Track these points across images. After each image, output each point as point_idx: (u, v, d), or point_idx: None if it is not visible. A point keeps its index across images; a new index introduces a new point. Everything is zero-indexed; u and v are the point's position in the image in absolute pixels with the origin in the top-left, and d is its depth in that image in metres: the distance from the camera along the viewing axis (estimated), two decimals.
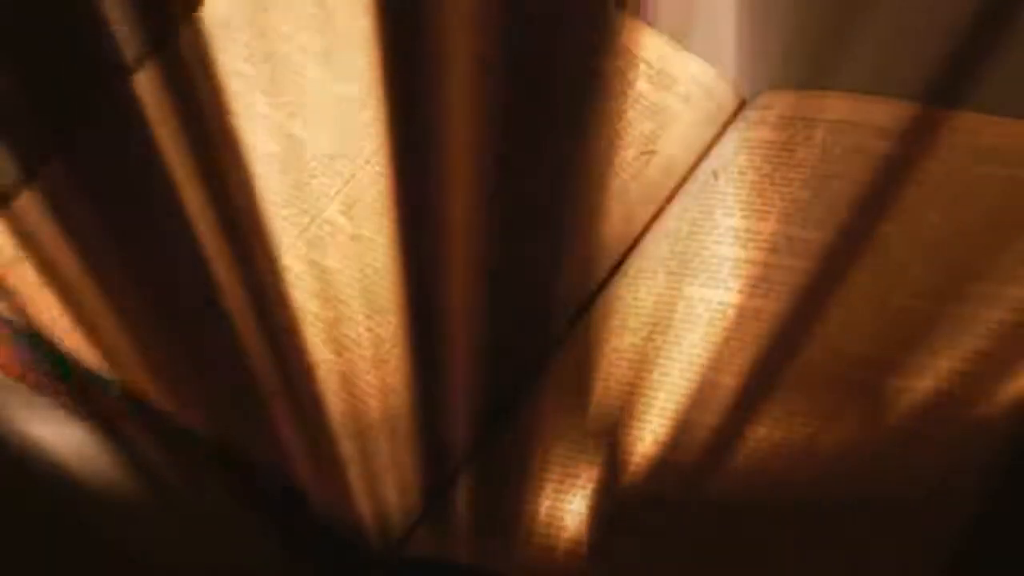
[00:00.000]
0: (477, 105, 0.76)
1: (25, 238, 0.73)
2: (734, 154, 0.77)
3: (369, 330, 0.75)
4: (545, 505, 0.69)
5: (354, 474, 0.71)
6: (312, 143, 0.76)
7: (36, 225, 0.73)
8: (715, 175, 0.77)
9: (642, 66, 0.80)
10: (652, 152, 0.79)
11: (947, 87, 0.77)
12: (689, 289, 0.74)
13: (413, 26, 0.75)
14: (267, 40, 0.77)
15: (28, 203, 0.75)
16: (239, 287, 0.71)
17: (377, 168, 0.75)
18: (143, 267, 0.72)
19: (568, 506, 0.68)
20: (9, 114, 0.74)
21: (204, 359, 0.72)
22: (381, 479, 0.70)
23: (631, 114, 0.79)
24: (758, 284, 0.73)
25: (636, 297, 0.74)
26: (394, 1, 0.74)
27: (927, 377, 0.68)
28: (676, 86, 0.80)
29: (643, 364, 0.72)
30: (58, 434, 0.73)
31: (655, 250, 0.76)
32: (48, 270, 0.73)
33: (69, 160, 0.75)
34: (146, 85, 0.74)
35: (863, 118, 0.77)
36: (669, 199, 0.78)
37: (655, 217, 0.78)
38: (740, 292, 0.73)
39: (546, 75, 0.76)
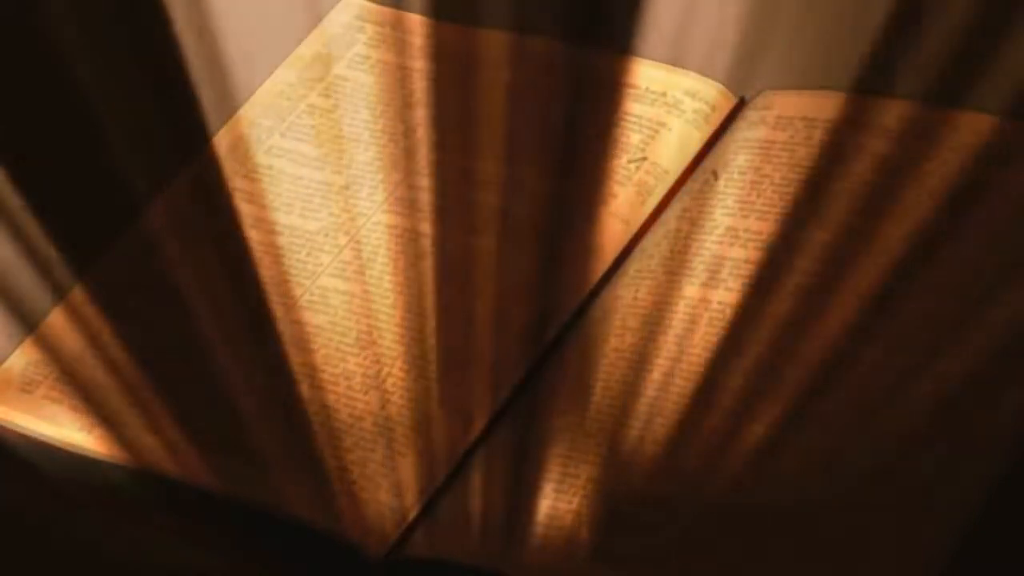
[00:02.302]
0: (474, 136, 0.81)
1: (55, 354, 0.76)
2: (734, 154, 0.77)
3: (370, 343, 0.75)
4: (545, 505, 0.69)
5: (352, 476, 0.71)
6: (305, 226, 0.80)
7: (65, 340, 0.76)
8: (715, 175, 0.77)
9: (630, 91, 0.81)
10: (643, 159, 0.79)
11: (947, 87, 0.77)
12: (689, 289, 0.73)
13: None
14: (271, 155, 0.83)
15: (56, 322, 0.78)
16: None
17: (369, 224, 0.79)
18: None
19: (568, 506, 0.68)
20: (37, 237, 0.79)
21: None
22: (380, 480, 0.70)
23: (620, 129, 0.79)
24: (758, 284, 0.73)
25: (636, 297, 0.74)
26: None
27: (927, 378, 0.68)
28: (663, 98, 0.80)
29: (643, 364, 0.72)
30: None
31: (655, 250, 0.75)
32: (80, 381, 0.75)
33: (97, 279, 0.79)
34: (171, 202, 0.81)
35: (863, 118, 0.77)
36: (665, 200, 0.78)
37: (653, 218, 0.78)
38: (740, 292, 0.73)
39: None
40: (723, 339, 0.72)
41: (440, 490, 0.70)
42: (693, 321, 0.72)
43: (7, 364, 0.76)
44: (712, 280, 0.73)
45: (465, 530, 0.69)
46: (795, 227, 0.74)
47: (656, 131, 0.79)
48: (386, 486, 0.70)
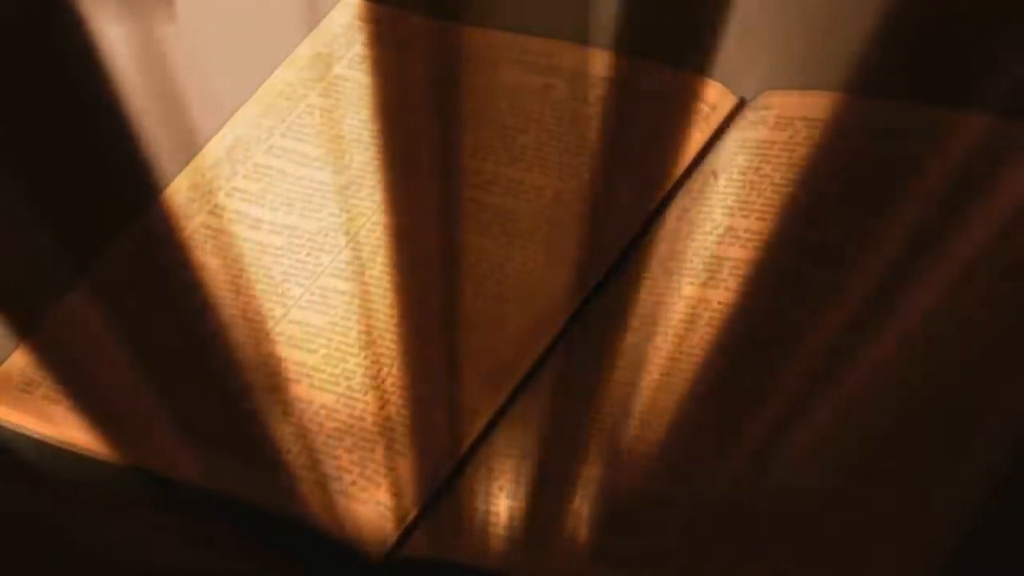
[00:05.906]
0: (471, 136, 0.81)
1: (55, 354, 0.76)
2: (734, 154, 0.77)
3: (370, 343, 0.75)
4: (545, 505, 0.69)
5: (352, 476, 0.71)
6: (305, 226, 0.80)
7: (65, 340, 0.77)
8: (715, 175, 0.77)
9: (630, 91, 0.81)
10: (643, 159, 0.79)
11: (947, 87, 0.77)
12: (689, 289, 0.73)
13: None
14: (271, 155, 0.83)
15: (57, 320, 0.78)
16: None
17: (369, 224, 0.79)
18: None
19: (568, 506, 0.68)
20: (37, 236, 0.79)
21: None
22: (380, 480, 0.70)
23: (620, 129, 0.80)
24: (758, 284, 0.73)
25: (636, 297, 0.74)
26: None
27: (928, 377, 0.68)
28: (662, 98, 0.80)
29: (643, 364, 0.72)
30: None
31: (655, 250, 0.76)
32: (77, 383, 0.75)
33: (97, 278, 0.79)
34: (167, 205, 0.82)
35: (862, 118, 0.77)
36: (666, 200, 0.78)
37: (654, 218, 0.78)
38: (740, 292, 0.73)
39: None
40: (723, 339, 0.72)
41: (440, 490, 0.70)
42: (693, 321, 0.72)
43: (7, 364, 0.76)
44: (711, 280, 0.73)
45: (465, 530, 0.69)
46: (795, 227, 0.74)
47: (657, 131, 0.79)
48: (386, 486, 0.70)
